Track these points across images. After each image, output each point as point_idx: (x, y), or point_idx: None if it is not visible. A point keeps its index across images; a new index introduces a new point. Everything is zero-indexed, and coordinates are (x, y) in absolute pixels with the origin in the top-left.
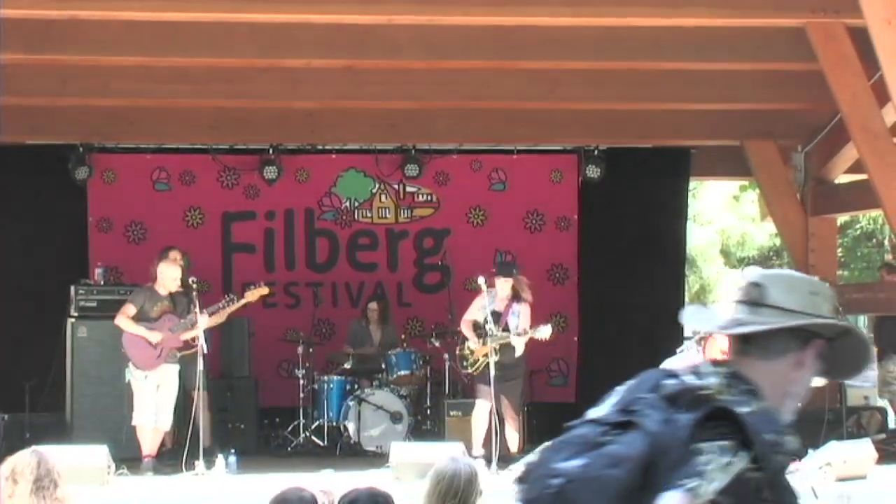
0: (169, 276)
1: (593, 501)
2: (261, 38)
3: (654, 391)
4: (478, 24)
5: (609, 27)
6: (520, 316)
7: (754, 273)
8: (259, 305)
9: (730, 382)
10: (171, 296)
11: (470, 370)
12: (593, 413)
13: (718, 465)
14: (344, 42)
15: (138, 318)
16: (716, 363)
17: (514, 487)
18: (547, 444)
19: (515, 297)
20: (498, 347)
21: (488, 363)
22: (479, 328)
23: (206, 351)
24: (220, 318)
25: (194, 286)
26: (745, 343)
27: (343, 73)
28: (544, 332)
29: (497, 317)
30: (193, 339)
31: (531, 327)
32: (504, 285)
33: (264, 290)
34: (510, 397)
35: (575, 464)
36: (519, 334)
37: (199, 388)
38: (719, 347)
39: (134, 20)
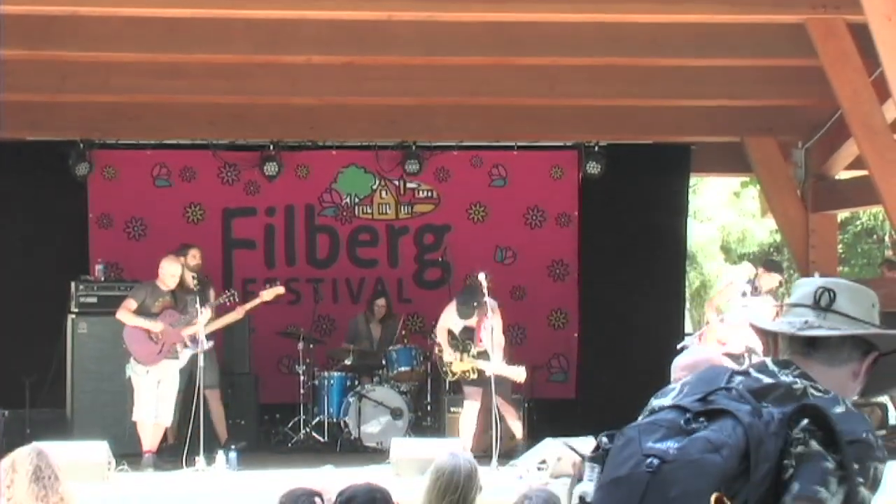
0: (168, 272)
1: (694, 483)
2: (260, 35)
3: (728, 384)
4: (477, 20)
5: (609, 23)
6: (493, 329)
7: (822, 279)
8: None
9: (810, 382)
10: (173, 292)
11: (450, 378)
12: (661, 402)
13: (837, 478)
14: (343, 38)
15: (139, 312)
16: (781, 363)
17: (585, 467)
18: (631, 424)
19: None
20: (473, 370)
21: (464, 378)
22: (454, 337)
23: (205, 347)
24: (237, 315)
25: (195, 281)
26: (809, 346)
27: (343, 69)
28: (519, 374)
29: (470, 333)
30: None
31: (507, 363)
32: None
33: (280, 290)
34: (500, 393)
35: (670, 445)
36: (491, 366)
37: (199, 385)
38: (717, 337)
39: (134, 16)
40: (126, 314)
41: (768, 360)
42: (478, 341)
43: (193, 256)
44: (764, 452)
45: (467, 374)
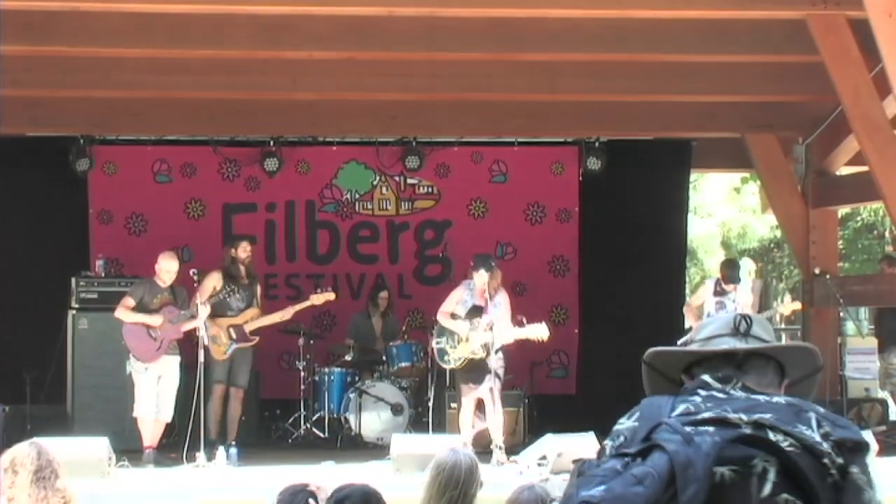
0: (165, 268)
1: None
2: (261, 30)
3: (671, 413)
4: (478, 16)
5: (609, 19)
6: (501, 306)
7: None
8: (261, 297)
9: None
10: (171, 287)
11: (452, 365)
12: (610, 446)
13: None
14: (344, 34)
15: (138, 310)
16: (722, 379)
17: None
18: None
19: (492, 284)
20: (483, 346)
21: (471, 359)
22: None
23: (206, 343)
24: (284, 315)
25: (195, 278)
26: (738, 371)
27: (343, 65)
28: (541, 332)
29: (479, 311)
30: (251, 334)
31: (525, 323)
32: (483, 277)
33: (331, 296)
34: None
35: (600, 489)
36: (507, 334)
37: (199, 379)
38: None
39: (134, 12)
40: (125, 312)
41: (707, 378)
42: (487, 314)
43: (244, 249)
44: (692, 473)
45: (475, 353)
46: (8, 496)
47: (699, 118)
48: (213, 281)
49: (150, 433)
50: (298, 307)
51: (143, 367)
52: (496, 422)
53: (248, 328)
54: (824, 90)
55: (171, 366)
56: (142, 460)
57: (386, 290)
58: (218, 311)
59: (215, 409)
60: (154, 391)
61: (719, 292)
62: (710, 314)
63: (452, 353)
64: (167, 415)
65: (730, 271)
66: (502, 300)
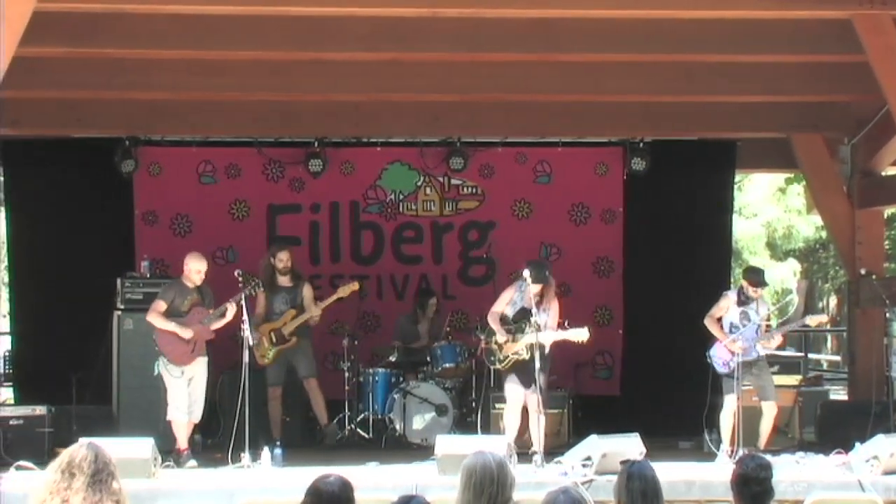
0: (194, 269)
1: None
2: (304, 31)
3: None
4: (521, 16)
5: (653, 19)
6: (549, 313)
7: None
8: (311, 299)
9: None
10: (199, 288)
11: (498, 366)
12: None
13: None
14: (387, 35)
15: (169, 312)
16: None
17: None
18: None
19: (545, 293)
20: (528, 347)
21: (517, 360)
22: (506, 322)
23: (251, 343)
24: (314, 314)
25: (240, 278)
26: None
27: (386, 65)
28: (581, 334)
29: (526, 313)
30: (288, 335)
31: (567, 327)
32: (536, 287)
33: (355, 286)
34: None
35: None
36: (549, 335)
37: (244, 380)
38: (730, 349)
39: (179, 13)
40: (156, 318)
41: None
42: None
43: (279, 259)
44: None
45: (519, 353)
46: (62, 497)
47: (744, 118)
48: (261, 299)
49: (185, 435)
50: (325, 303)
51: (178, 371)
52: (537, 428)
53: (285, 330)
54: (870, 90)
55: (200, 367)
56: (180, 462)
57: (434, 298)
58: (262, 318)
59: (272, 411)
60: (186, 394)
61: (743, 302)
62: (734, 325)
63: (499, 354)
64: (198, 415)
65: (756, 276)
66: (553, 308)
